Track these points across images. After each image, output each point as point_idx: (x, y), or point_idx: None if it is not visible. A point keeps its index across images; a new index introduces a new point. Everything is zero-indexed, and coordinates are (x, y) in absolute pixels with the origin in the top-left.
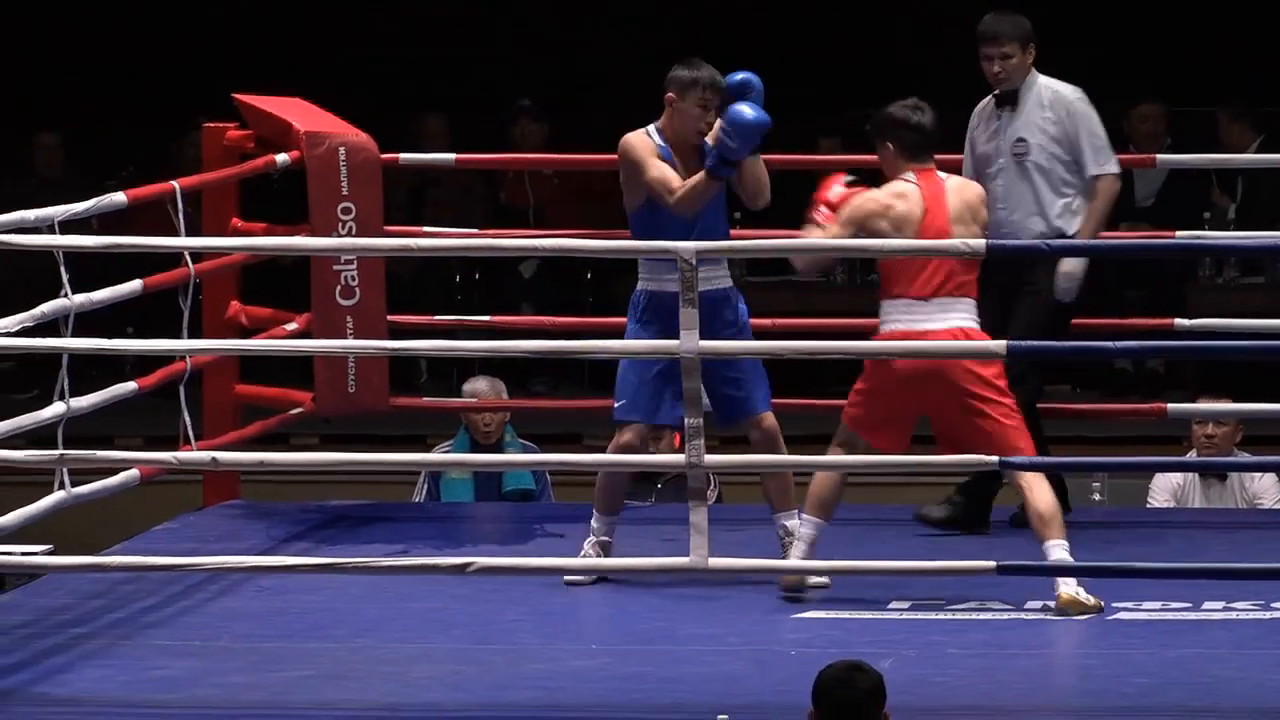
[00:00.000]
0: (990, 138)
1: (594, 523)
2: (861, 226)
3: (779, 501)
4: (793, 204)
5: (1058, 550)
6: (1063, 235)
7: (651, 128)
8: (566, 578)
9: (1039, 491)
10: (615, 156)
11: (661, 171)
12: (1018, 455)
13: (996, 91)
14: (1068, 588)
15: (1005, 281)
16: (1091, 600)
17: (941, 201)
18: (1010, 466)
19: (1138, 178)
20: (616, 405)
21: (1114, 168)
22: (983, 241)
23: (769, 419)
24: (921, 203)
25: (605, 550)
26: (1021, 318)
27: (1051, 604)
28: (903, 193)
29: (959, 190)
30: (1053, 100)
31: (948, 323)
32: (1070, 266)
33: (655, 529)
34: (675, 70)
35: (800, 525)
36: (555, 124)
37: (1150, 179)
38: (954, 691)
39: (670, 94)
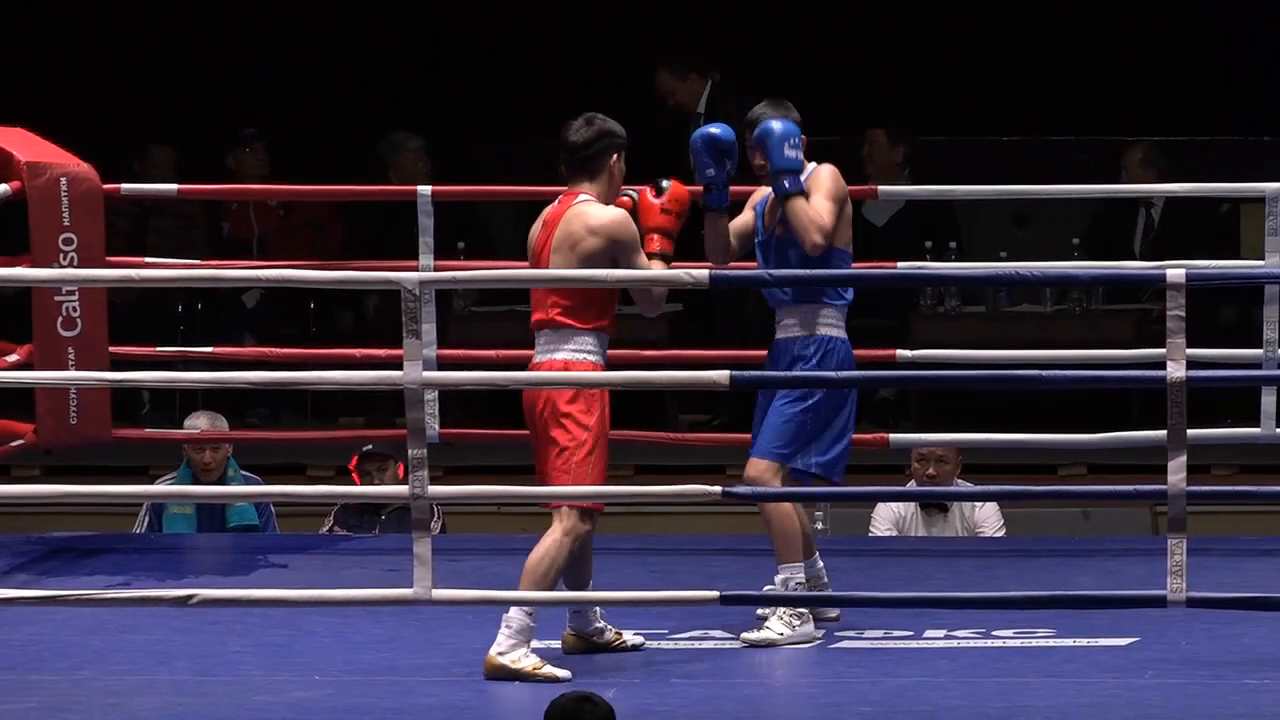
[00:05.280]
0: None
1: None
2: None
3: (777, 553)
4: (518, 234)
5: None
6: None
7: None
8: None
9: (544, 545)
10: (339, 187)
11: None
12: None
13: None
14: (499, 656)
15: None
16: (528, 666)
17: (553, 227)
18: (734, 497)
19: (875, 207)
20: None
21: None
22: (705, 272)
23: (753, 465)
24: (541, 227)
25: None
26: None
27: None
28: (542, 215)
29: (570, 218)
30: None
31: (554, 355)
32: None
33: (379, 560)
34: None
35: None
36: (278, 153)
37: (885, 207)
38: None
39: None
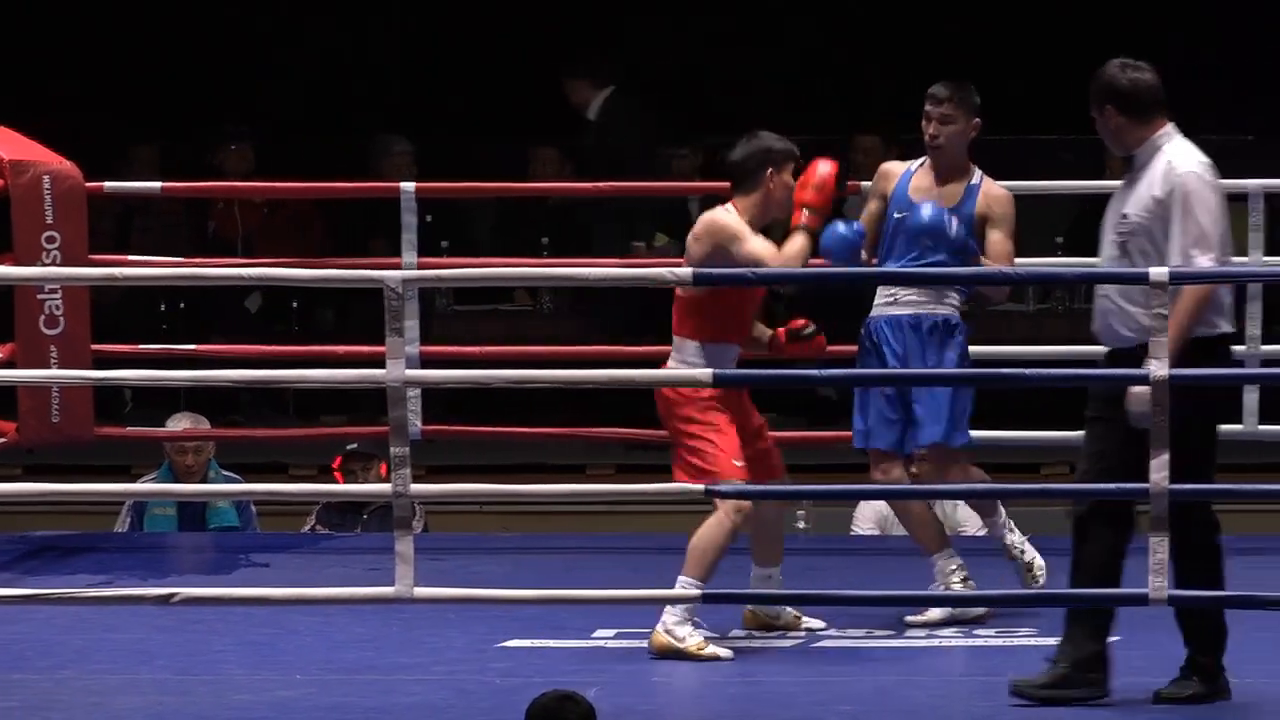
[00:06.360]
0: (1109, 207)
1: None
2: None
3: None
4: (503, 233)
5: (683, 584)
6: None
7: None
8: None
9: (706, 526)
10: (322, 184)
11: None
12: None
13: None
14: (665, 633)
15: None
16: (692, 645)
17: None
18: (716, 494)
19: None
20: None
21: (1205, 264)
22: (688, 270)
23: (932, 453)
24: None
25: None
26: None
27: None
28: None
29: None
30: (1166, 173)
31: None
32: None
33: (361, 558)
34: None
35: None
36: (267, 153)
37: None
38: (659, 719)
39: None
